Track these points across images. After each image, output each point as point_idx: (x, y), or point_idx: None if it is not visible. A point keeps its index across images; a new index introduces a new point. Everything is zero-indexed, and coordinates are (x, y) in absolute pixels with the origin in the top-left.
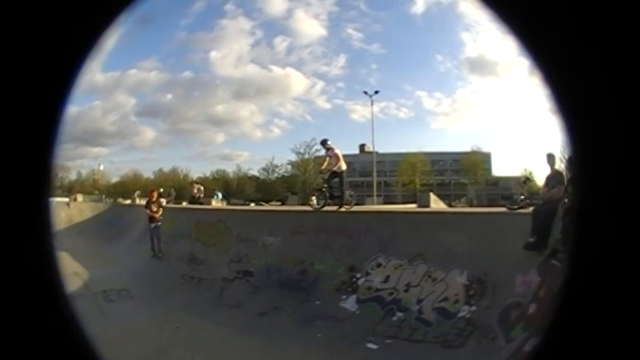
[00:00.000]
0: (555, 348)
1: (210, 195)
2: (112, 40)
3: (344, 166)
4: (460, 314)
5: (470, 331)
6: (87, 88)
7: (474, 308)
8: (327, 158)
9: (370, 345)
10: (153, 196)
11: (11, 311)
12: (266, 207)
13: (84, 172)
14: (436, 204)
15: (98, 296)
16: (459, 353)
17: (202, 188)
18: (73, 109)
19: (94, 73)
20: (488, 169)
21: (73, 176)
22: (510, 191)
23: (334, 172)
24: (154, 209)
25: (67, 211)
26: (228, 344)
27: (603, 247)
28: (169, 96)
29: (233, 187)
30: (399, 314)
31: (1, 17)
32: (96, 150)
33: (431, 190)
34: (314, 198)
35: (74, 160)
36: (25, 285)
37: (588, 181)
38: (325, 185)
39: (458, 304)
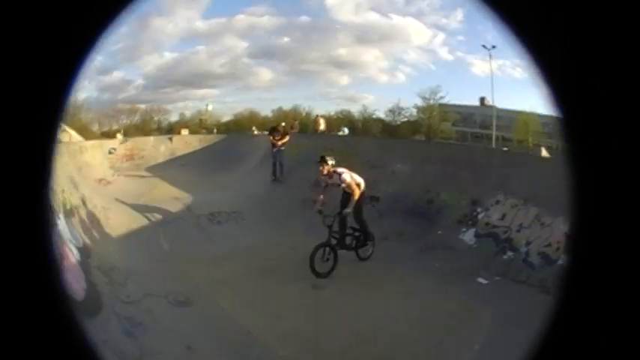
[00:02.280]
0: (555, 346)
1: (337, 130)
2: None
3: (360, 182)
4: (559, 262)
5: None
6: (186, 36)
7: None
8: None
9: (481, 280)
10: (279, 126)
11: (8, 309)
12: None
13: (188, 114)
14: None
15: (202, 219)
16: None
17: (324, 122)
18: (170, 56)
19: (192, 21)
20: None
21: (174, 118)
22: None
23: (346, 192)
24: (277, 137)
25: (167, 145)
26: (344, 266)
27: (601, 244)
28: (286, 39)
29: (358, 127)
30: (510, 254)
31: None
32: (202, 92)
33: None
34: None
35: (175, 102)
36: (23, 282)
37: (586, 176)
38: (337, 228)
39: (559, 251)
